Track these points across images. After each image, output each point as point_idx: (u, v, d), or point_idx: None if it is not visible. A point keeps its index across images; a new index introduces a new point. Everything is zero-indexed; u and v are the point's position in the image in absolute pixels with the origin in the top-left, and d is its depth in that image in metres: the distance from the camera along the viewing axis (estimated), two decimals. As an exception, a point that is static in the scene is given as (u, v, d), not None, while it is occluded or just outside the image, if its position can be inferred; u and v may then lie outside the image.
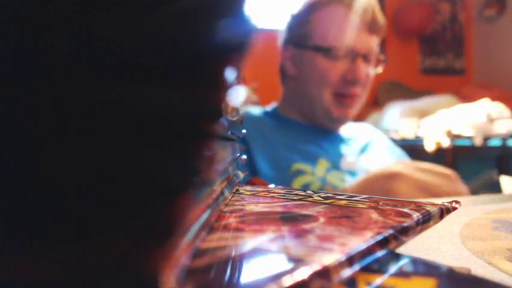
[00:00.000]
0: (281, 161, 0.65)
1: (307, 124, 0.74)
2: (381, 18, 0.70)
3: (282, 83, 0.78)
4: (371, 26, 0.68)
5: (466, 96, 2.27)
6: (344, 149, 0.72)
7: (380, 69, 0.74)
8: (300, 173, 0.64)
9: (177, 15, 0.08)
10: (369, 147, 0.76)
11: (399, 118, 1.99)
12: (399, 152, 0.80)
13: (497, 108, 1.78)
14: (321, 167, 0.66)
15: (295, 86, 0.74)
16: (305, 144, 0.70)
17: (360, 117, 1.33)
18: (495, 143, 1.73)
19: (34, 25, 0.08)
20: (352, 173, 0.68)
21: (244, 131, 0.25)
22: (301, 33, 0.71)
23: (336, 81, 0.68)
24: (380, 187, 0.52)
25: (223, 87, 0.10)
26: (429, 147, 1.72)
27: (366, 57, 0.69)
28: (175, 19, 0.08)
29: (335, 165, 0.68)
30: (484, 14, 2.85)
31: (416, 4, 2.71)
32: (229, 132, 0.19)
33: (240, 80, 0.11)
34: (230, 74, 0.10)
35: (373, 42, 0.69)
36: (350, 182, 0.65)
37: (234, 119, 0.20)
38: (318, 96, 0.69)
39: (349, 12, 0.68)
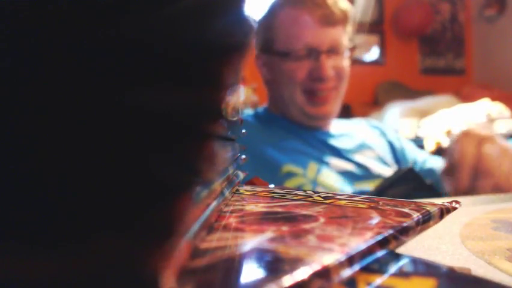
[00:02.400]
0: (271, 163, 0.65)
1: (295, 122, 0.74)
2: (338, 8, 0.69)
3: (265, 87, 0.79)
4: (326, 20, 0.67)
5: (466, 96, 2.27)
6: (335, 146, 0.72)
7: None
8: (291, 175, 0.64)
9: (177, 16, 0.08)
10: (365, 144, 0.75)
11: (399, 118, 1.99)
12: (401, 147, 0.79)
13: (497, 108, 1.77)
14: (312, 170, 0.66)
15: (273, 90, 0.76)
16: (294, 143, 0.70)
17: (360, 117, 1.33)
18: (495, 143, 1.72)
19: (36, 25, 0.08)
20: (344, 173, 0.67)
21: (244, 131, 0.25)
22: (266, 40, 0.72)
23: (303, 80, 0.68)
24: (472, 150, 0.54)
25: (223, 87, 0.10)
26: (429, 147, 1.72)
27: (332, 51, 0.68)
28: (175, 20, 0.08)
29: (325, 164, 0.67)
30: (484, 14, 2.85)
31: (416, 4, 2.71)
32: (229, 132, 0.19)
33: (240, 80, 0.11)
34: (230, 74, 0.10)
35: (336, 35, 0.68)
36: (341, 181, 0.65)
37: (234, 119, 0.20)
38: (291, 97, 0.70)
39: (301, 12, 0.68)
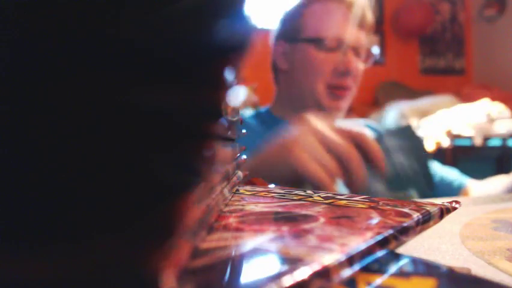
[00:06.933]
0: None
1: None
2: (370, 16, 0.73)
3: (274, 80, 0.79)
4: (360, 22, 0.70)
5: (466, 96, 2.28)
6: None
7: (369, 63, 0.75)
8: None
9: (177, 16, 0.08)
10: None
11: (399, 118, 1.99)
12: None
13: (497, 108, 1.78)
14: None
15: (287, 80, 0.76)
16: None
17: (360, 117, 1.33)
18: (495, 143, 1.73)
19: (34, 24, 0.08)
20: None
21: (244, 131, 0.25)
22: (293, 28, 0.73)
23: (328, 72, 0.69)
24: (280, 160, 0.45)
25: (223, 87, 0.10)
26: (429, 147, 1.72)
27: (356, 51, 0.70)
28: (174, 19, 0.08)
29: None
30: (484, 14, 2.85)
31: (416, 4, 2.71)
32: (229, 132, 0.19)
33: (240, 80, 0.11)
34: (230, 74, 0.10)
35: (362, 37, 0.71)
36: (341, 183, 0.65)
37: (234, 119, 0.20)
38: (311, 88, 0.70)
39: (341, 7, 0.71)
